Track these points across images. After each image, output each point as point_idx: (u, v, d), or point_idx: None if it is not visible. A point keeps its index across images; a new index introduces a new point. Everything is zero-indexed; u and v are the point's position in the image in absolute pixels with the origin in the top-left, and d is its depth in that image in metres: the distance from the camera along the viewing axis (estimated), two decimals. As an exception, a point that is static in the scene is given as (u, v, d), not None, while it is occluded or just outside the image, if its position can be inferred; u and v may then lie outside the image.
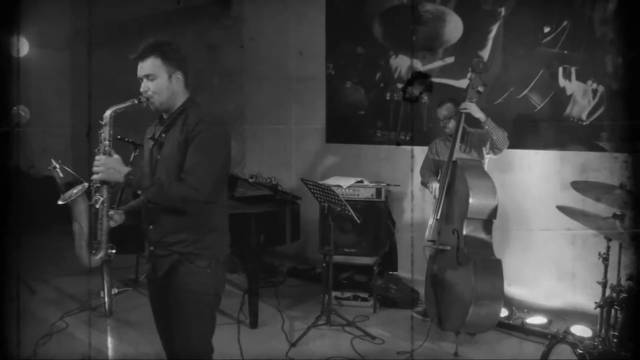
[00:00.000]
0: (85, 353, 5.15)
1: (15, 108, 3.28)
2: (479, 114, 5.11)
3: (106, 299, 5.93)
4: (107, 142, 3.18)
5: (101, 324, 5.78)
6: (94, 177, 3.12)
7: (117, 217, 3.31)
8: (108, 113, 3.19)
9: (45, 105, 9.94)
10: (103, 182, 3.14)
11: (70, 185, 3.32)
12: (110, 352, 5.30)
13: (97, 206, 3.17)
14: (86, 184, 3.19)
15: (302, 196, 6.28)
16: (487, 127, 5.09)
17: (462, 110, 5.14)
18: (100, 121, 3.20)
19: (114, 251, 3.28)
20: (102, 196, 3.16)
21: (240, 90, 8.61)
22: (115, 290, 6.28)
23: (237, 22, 8.51)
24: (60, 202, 3.20)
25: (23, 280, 6.65)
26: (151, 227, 3.31)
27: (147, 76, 3.21)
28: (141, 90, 3.23)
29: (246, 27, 8.47)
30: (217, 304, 3.41)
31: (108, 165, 3.10)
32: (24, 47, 9.11)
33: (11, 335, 5.31)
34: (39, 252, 8.32)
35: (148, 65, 3.20)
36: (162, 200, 3.14)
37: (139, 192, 3.28)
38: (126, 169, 3.12)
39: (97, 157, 3.13)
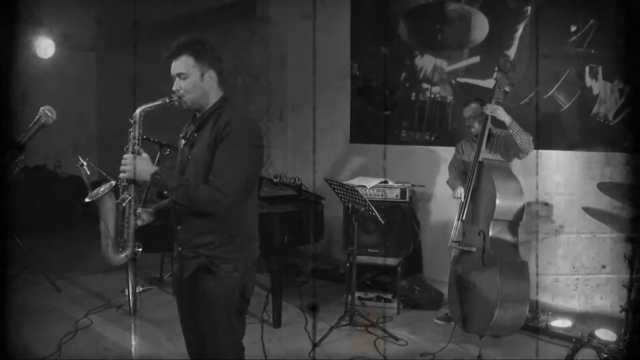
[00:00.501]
0: (110, 350, 5.20)
1: (41, 109, 3.30)
2: (504, 117, 5.05)
3: (130, 297, 5.96)
4: (135, 141, 3.16)
5: (125, 322, 5.82)
6: (121, 175, 3.10)
7: (145, 216, 3.31)
8: (138, 111, 3.17)
9: (71, 105, 10.06)
10: (130, 181, 3.13)
11: (98, 183, 3.33)
12: (134, 350, 5.33)
13: (124, 205, 3.16)
14: (113, 182, 3.18)
15: (326, 196, 6.28)
16: (512, 130, 5.03)
17: (489, 113, 5.09)
18: (130, 120, 3.18)
19: (140, 249, 3.27)
20: (129, 195, 3.15)
21: (265, 91, 8.63)
22: (139, 289, 6.33)
23: (262, 22, 8.53)
24: (87, 200, 3.19)
25: (48, 277, 6.73)
26: (179, 227, 3.29)
27: (179, 75, 3.19)
28: (173, 88, 3.21)
29: (271, 27, 8.49)
30: (245, 306, 3.36)
31: (136, 165, 3.08)
32: (50, 48, 9.19)
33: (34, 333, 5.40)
34: (64, 249, 8.43)
35: (180, 64, 3.18)
36: (188, 202, 3.10)
37: (165, 192, 3.22)
38: (154, 169, 3.10)
39: (125, 156, 3.12)
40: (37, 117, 3.26)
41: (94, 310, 6.01)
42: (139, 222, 3.26)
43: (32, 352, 4.96)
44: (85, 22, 11.12)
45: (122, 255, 3.23)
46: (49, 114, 3.27)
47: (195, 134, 3.26)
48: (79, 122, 11.04)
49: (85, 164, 3.30)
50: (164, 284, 6.84)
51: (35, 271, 6.79)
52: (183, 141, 3.36)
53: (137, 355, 5.23)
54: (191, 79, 3.18)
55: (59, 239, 9.05)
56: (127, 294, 6.07)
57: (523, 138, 5.02)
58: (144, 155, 3.15)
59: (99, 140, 12.00)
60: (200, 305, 3.26)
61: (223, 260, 3.18)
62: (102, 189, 3.19)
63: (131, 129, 3.17)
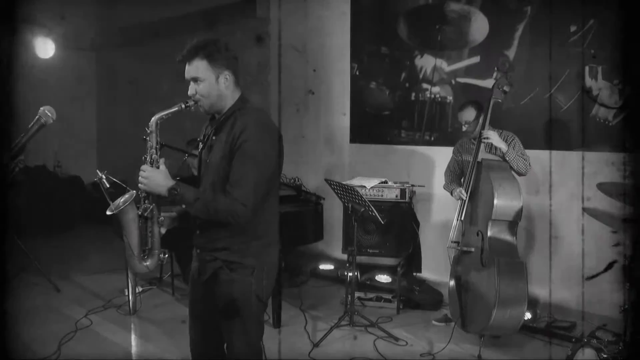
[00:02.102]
0: (109, 350, 5.20)
1: (41, 109, 3.29)
2: (501, 145, 5.04)
3: (130, 297, 5.98)
4: (153, 151, 3.10)
5: (125, 322, 5.83)
6: (139, 186, 3.05)
7: (168, 222, 3.25)
8: (154, 120, 3.10)
9: (72, 105, 10.06)
10: (148, 192, 3.09)
11: (114, 187, 3.28)
12: (133, 350, 5.34)
13: (147, 214, 3.12)
14: (134, 192, 3.11)
15: (326, 196, 6.28)
16: (508, 158, 5.03)
17: (484, 140, 5.08)
18: (146, 129, 3.10)
19: (166, 255, 3.24)
20: (150, 204, 3.12)
21: (265, 91, 8.63)
22: (139, 289, 6.32)
23: (262, 23, 8.53)
24: (108, 213, 3.11)
25: (48, 278, 6.74)
26: (198, 232, 3.27)
27: (193, 79, 3.10)
28: (189, 93, 3.12)
29: (272, 27, 8.49)
30: (263, 309, 3.32)
31: (152, 179, 3.03)
32: (50, 48, 9.19)
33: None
34: (64, 249, 8.44)
35: (194, 68, 3.08)
36: (207, 215, 3.06)
37: (184, 206, 3.15)
38: (170, 183, 3.02)
39: (142, 167, 3.06)
40: (37, 117, 3.25)
41: (94, 311, 6.01)
42: (163, 230, 3.22)
43: (32, 352, 4.97)
44: (85, 22, 11.12)
45: (147, 264, 3.19)
46: (49, 114, 3.26)
47: (214, 137, 3.20)
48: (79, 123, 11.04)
49: (103, 176, 3.25)
50: (164, 284, 6.84)
51: (35, 271, 6.80)
52: (201, 144, 3.31)
53: (136, 355, 5.24)
54: (206, 83, 3.09)
55: (58, 239, 9.05)
56: (126, 294, 6.07)
57: (519, 164, 5.03)
58: (162, 168, 3.08)
59: (99, 141, 12.01)
60: (219, 307, 3.23)
61: (239, 265, 3.14)
62: (123, 199, 3.12)
63: (148, 138, 3.10)
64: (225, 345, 3.34)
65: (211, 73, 3.09)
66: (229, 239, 3.14)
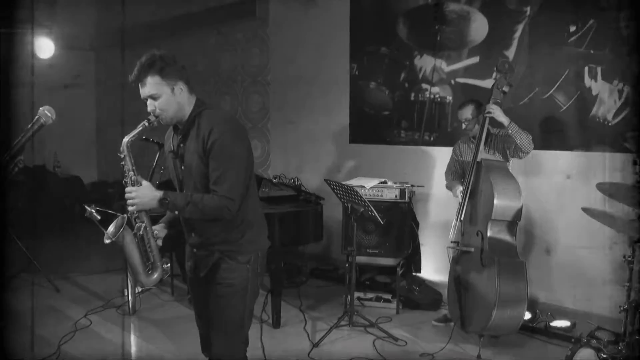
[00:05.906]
0: (108, 350, 5.20)
1: (41, 109, 3.29)
2: (502, 118, 5.05)
3: (130, 297, 5.98)
4: (132, 173, 3.21)
5: (125, 322, 5.82)
6: (130, 208, 3.17)
7: (161, 234, 3.40)
8: (124, 143, 3.21)
9: (71, 105, 10.04)
10: (140, 211, 3.21)
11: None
12: (133, 350, 5.34)
13: (141, 233, 3.24)
14: (125, 216, 3.23)
15: (326, 197, 6.28)
16: (510, 131, 5.03)
17: (486, 115, 5.09)
18: (118, 154, 3.21)
19: (168, 265, 3.39)
20: (143, 222, 3.24)
21: (265, 91, 8.64)
22: (138, 289, 6.32)
23: (261, 23, 8.53)
24: (107, 242, 3.23)
25: (47, 278, 6.74)
26: (193, 234, 3.41)
27: (151, 97, 3.19)
28: (149, 110, 3.22)
29: (271, 28, 8.49)
30: (255, 296, 3.47)
31: (140, 195, 3.15)
32: (49, 48, 9.17)
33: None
34: (63, 250, 8.43)
35: (149, 86, 3.17)
36: (200, 216, 3.20)
37: (176, 212, 3.30)
38: (159, 194, 3.14)
39: (127, 189, 3.18)
40: (37, 117, 3.25)
41: (94, 311, 6.02)
42: (159, 242, 3.36)
43: (32, 352, 4.97)
44: (85, 22, 11.12)
45: (154, 277, 3.35)
46: (49, 114, 3.26)
47: (182, 145, 3.31)
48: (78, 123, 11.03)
49: (93, 211, 3.35)
50: (164, 284, 6.84)
51: (35, 271, 6.80)
52: (172, 155, 3.41)
53: (136, 355, 5.24)
54: (164, 97, 3.18)
55: (58, 239, 9.05)
56: (126, 294, 6.07)
57: (522, 138, 5.02)
58: (145, 183, 3.20)
59: (99, 141, 12.01)
60: (214, 294, 3.36)
61: (237, 253, 3.31)
62: (116, 226, 3.25)
63: (123, 162, 3.22)
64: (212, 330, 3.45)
65: (166, 87, 3.18)
66: (225, 232, 3.29)
